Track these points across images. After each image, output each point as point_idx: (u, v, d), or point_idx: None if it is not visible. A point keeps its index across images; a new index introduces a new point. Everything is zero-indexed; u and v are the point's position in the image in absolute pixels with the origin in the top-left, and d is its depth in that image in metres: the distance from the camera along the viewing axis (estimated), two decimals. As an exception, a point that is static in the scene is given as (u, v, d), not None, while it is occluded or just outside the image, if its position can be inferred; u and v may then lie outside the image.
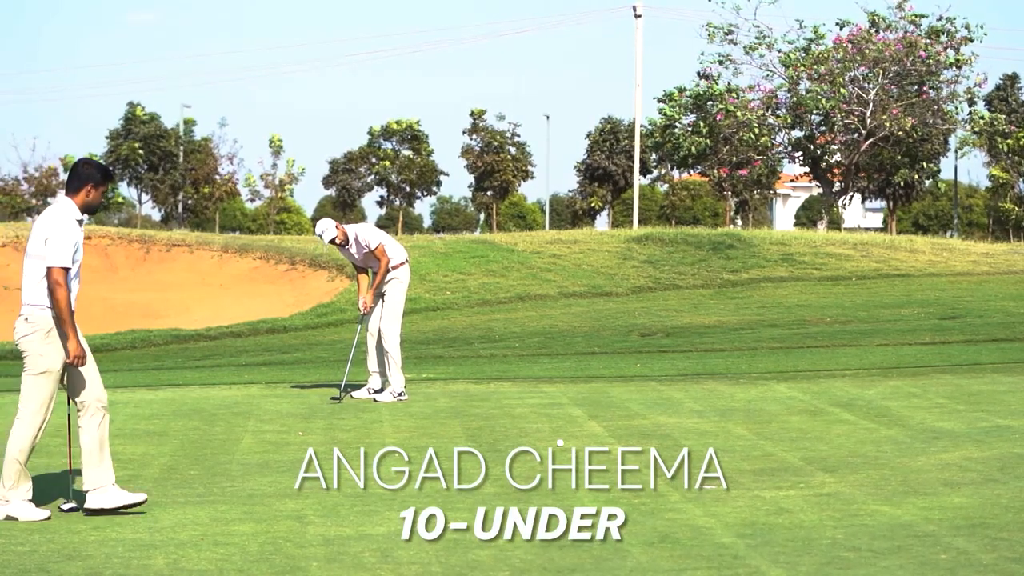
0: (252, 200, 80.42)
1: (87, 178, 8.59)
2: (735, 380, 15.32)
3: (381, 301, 14.11)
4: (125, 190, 77.68)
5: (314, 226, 15.21)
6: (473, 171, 79.16)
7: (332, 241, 13.95)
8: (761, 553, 7.21)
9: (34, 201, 74.39)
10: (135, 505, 8.49)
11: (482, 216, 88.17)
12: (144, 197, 76.06)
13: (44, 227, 8.50)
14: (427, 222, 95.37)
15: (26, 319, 8.49)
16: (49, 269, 8.37)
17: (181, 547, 7.53)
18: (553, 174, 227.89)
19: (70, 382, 8.56)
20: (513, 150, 79.46)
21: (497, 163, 78.55)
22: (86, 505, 8.50)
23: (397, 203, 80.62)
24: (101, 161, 8.79)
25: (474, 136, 79.46)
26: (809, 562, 7.01)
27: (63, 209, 8.55)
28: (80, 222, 8.58)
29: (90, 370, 8.56)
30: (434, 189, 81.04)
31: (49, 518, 8.42)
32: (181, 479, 9.72)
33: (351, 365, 14.60)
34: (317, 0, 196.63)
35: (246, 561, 7.21)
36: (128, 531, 7.96)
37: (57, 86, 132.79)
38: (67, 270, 8.38)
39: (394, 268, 14.06)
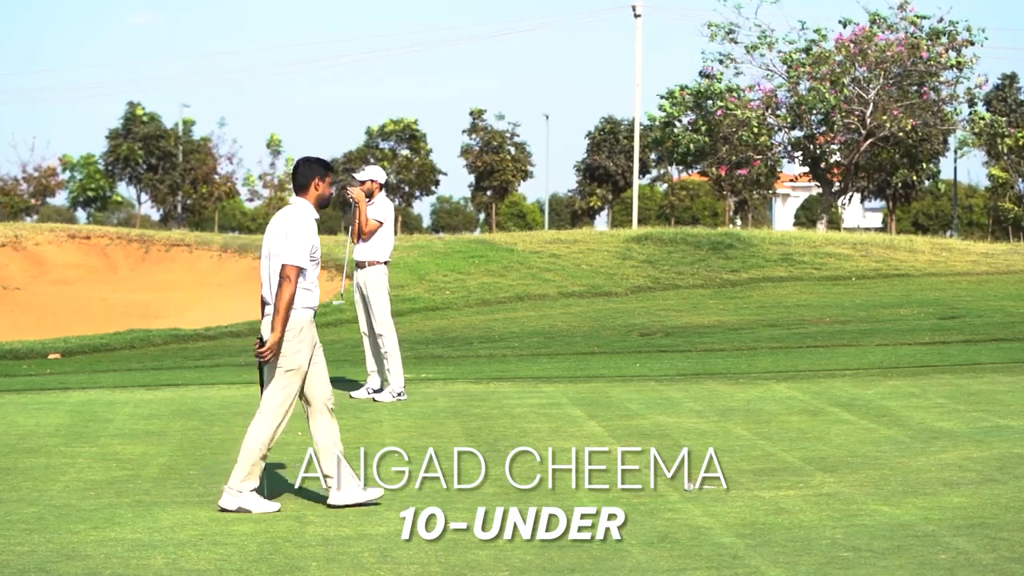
0: (251, 200, 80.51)
1: (311, 175, 8.76)
2: (735, 380, 15.30)
3: (364, 302, 13.95)
4: (124, 190, 77.78)
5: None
6: (472, 171, 79.18)
7: (362, 185, 13.65)
8: (761, 553, 7.21)
9: (33, 201, 74.39)
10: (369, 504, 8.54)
11: (481, 216, 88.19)
12: (143, 197, 76.10)
13: (283, 226, 8.58)
14: (426, 222, 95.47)
15: None
16: (284, 265, 8.44)
17: (180, 547, 7.52)
18: (553, 174, 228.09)
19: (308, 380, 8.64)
20: (512, 150, 79.47)
21: (496, 163, 78.55)
22: (329, 501, 8.58)
23: (396, 203, 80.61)
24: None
25: (473, 136, 79.47)
26: (809, 562, 7.00)
27: (300, 209, 8.67)
28: (316, 220, 8.67)
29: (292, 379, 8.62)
30: (433, 189, 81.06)
31: (279, 510, 8.46)
32: (180, 479, 9.72)
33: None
34: (317, 0, 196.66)
35: (245, 561, 7.21)
36: (127, 531, 7.96)
37: (57, 86, 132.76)
38: (301, 270, 8.46)
39: (370, 265, 13.88)
